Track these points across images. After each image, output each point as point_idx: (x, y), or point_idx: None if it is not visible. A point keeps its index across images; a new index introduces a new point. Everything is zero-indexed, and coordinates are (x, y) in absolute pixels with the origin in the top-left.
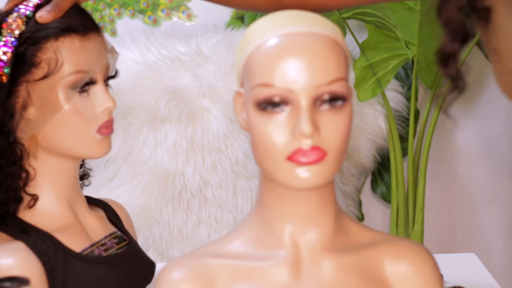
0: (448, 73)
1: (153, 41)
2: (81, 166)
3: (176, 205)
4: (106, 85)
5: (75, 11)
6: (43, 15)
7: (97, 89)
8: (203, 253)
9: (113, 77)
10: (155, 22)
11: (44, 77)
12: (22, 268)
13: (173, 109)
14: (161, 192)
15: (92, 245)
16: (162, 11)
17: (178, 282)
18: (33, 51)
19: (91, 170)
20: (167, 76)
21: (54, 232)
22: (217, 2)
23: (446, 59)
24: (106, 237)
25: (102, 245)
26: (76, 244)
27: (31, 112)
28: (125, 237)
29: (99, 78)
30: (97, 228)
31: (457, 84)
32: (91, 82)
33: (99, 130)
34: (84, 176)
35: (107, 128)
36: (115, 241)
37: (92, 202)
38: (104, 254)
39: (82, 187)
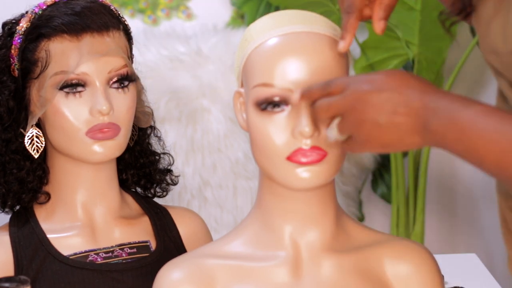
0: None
1: (152, 41)
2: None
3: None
4: (122, 86)
5: (76, 10)
6: (341, 47)
7: (92, 92)
8: (202, 254)
9: (131, 79)
10: (155, 22)
11: (38, 75)
12: None
13: (172, 109)
14: None
15: (90, 251)
16: (162, 10)
17: (177, 283)
18: (31, 49)
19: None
20: (167, 76)
21: (51, 232)
22: None
23: None
24: (119, 245)
25: (106, 252)
26: (69, 246)
27: (31, 108)
28: (152, 249)
29: (96, 80)
30: (115, 235)
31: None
32: (80, 84)
33: (88, 133)
34: (147, 185)
35: (101, 132)
36: (130, 250)
37: (146, 207)
38: (100, 261)
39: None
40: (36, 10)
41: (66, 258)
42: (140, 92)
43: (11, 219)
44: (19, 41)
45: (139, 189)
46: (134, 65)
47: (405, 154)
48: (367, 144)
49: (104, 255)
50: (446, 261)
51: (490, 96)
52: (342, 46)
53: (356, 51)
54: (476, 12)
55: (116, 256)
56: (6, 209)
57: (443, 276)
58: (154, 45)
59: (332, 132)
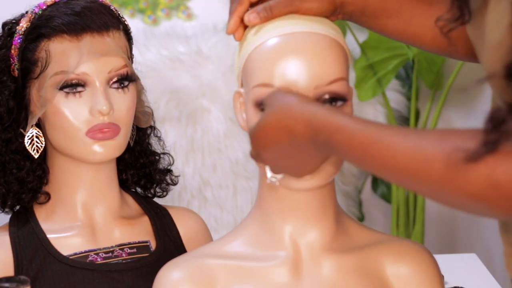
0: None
1: (152, 41)
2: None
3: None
4: (122, 86)
5: (76, 11)
6: (252, 19)
7: (92, 92)
8: (202, 254)
9: (131, 79)
10: (155, 22)
11: (38, 75)
12: None
13: (172, 109)
14: None
15: (90, 251)
16: (162, 10)
17: (177, 283)
18: (31, 49)
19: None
20: (167, 76)
21: (51, 232)
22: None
23: None
24: (119, 245)
25: (106, 252)
26: (69, 246)
27: (31, 108)
28: (152, 249)
29: (96, 80)
30: (115, 235)
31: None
32: (80, 84)
33: (88, 133)
34: (147, 185)
35: (101, 132)
36: (130, 250)
37: (146, 207)
38: (100, 261)
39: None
40: (36, 10)
41: (66, 258)
42: (140, 92)
43: (11, 219)
44: (19, 41)
45: (139, 189)
46: (134, 65)
47: None
48: (289, 170)
49: (104, 255)
50: (446, 261)
51: (489, 96)
52: (249, 19)
53: (356, 51)
54: (473, 20)
55: (116, 256)
56: (6, 209)
57: (443, 276)
58: (154, 45)
59: (269, 175)
